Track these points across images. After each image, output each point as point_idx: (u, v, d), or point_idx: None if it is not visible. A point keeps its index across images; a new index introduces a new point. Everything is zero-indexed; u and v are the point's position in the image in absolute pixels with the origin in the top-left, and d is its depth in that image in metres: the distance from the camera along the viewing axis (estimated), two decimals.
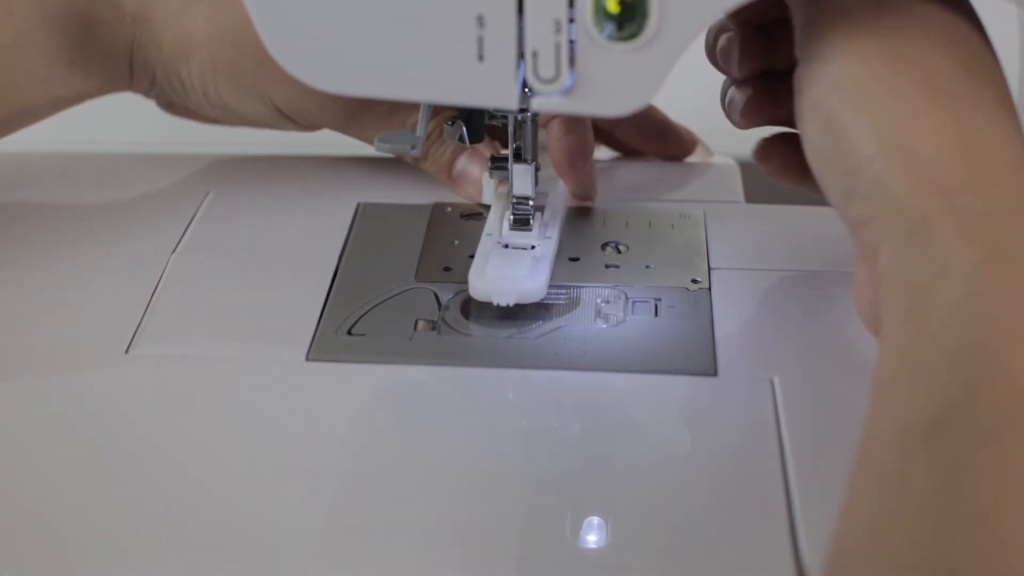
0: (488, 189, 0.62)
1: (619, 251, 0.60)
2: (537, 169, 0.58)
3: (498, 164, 0.60)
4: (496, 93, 0.48)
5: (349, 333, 0.55)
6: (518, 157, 0.58)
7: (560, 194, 0.62)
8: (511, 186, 0.58)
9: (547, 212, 0.60)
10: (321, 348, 0.54)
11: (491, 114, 0.57)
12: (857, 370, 0.52)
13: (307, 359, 0.54)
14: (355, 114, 0.63)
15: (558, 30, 0.46)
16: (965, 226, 0.42)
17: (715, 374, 0.52)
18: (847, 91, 0.45)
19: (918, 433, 0.39)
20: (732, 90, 0.55)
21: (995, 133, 0.44)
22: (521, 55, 0.47)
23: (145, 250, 0.61)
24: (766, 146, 0.56)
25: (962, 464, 0.37)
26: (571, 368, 0.53)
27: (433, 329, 0.55)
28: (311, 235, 0.62)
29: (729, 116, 0.56)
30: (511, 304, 0.55)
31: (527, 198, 0.58)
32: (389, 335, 0.55)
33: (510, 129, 0.57)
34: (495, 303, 0.55)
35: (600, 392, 0.52)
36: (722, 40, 0.55)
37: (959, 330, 0.40)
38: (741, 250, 0.60)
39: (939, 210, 0.42)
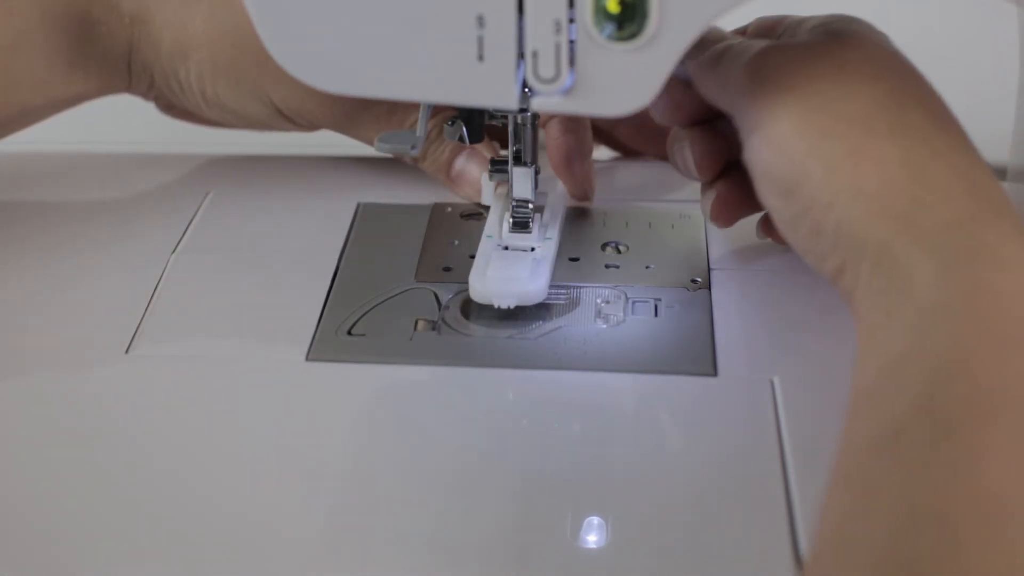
0: (487, 190, 0.62)
1: (619, 251, 0.60)
2: (537, 172, 0.58)
3: (498, 167, 0.60)
4: (496, 93, 0.48)
5: (349, 333, 0.55)
6: (518, 160, 0.58)
7: (560, 195, 0.62)
8: (511, 189, 0.58)
9: (547, 213, 0.60)
10: (321, 348, 0.54)
11: (491, 114, 0.57)
12: None
13: (307, 359, 0.54)
14: (354, 114, 0.63)
15: (558, 30, 0.46)
16: (921, 241, 0.43)
17: (715, 374, 0.52)
18: (788, 150, 0.47)
19: (884, 439, 0.40)
20: (702, 197, 0.57)
21: (936, 151, 0.46)
22: (521, 55, 0.47)
23: (145, 250, 0.61)
24: (766, 223, 0.57)
25: (922, 463, 0.38)
26: (571, 368, 0.53)
27: (433, 329, 0.55)
28: (311, 235, 0.62)
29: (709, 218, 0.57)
30: (512, 306, 0.55)
31: (527, 201, 0.58)
32: (389, 335, 0.55)
33: (510, 132, 0.57)
34: (496, 305, 0.55)
35: (600, 392, 0.52)
36: (673, 150, 0.56)
37: (924, 338, 0.41)
38: (741, 250, 0.60)
39: (896, 233, 0.44)
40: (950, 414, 0.39)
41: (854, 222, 0.45)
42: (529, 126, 0.57)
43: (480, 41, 0.47)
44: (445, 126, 0.57)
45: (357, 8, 0.47)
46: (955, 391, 0.39)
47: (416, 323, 0.56)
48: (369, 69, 0.48)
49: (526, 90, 0.48)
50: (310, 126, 0.65)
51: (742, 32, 0.56)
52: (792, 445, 0.48)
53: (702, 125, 0.55)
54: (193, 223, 0.63)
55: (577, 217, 0.63)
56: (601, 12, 0.45)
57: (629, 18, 0.45)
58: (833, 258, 0.46)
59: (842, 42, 0.48)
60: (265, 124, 0.65)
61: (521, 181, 0.58)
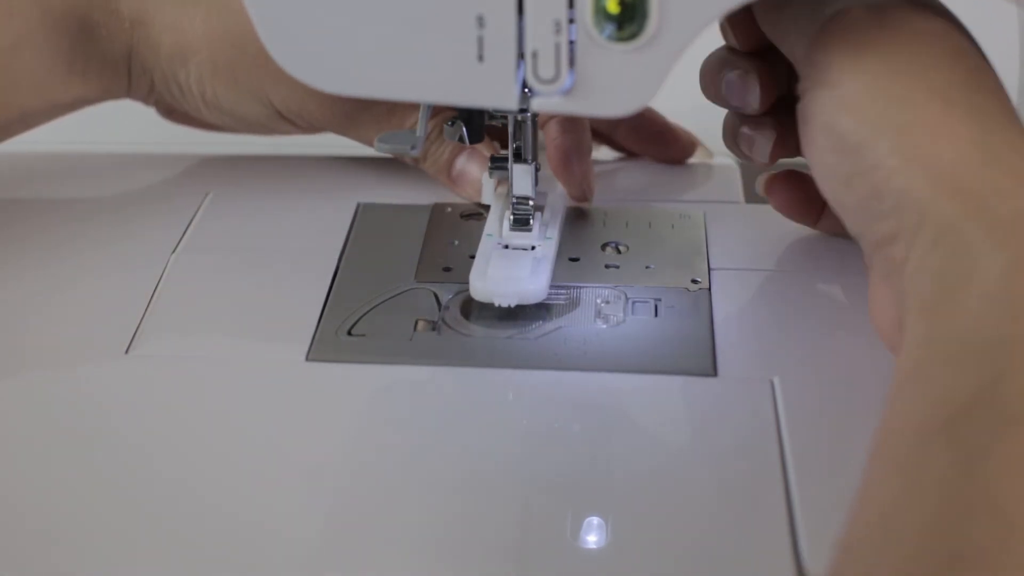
0: (487, 189, 0.62)
1: (619, 251, 0.60)
2: (537, 169, 0.58)
3: (498, 164, 0.60)
4: (496, 93, 0.48)
5: (349, 333, 0.55)
6: (518, 157, 0.58)
7: (559, 194, 0.62)
8: (511, 186, 0.58)
9: (547, 212, 0.60)
10: (321, 348, 0.54)
11: (491, 114, 0.57)
12: (857, 370, 0.52)
13: (307, 359, 0.54)
14: (353, 114, 0.63)
15: (558, 30, 0.46)
16: (993, 229, 0.42)
17: (715, 374, 0.52)
18: (861, 110, 0.45)
19: (939, 422, 0.38)
20: (747, 129, 0.55)
21: (1011, 141, 0.44)
22: (521, 55, 0.47)
23: (145, 250, 0.61)
24: (773, 182, 0.56)
25: (980, 451, 0.37)
26: (571, 368, 0.53)
27: (433, 329, 0.55)
28: (311, 235, 0.62)
29: (748, 154, 0.56)
30: (512, 305, 0.55)
31: (527, 198, 0.58)
32: (389, 335, 0.55)
33: (510, 129, 0.57)
34: (496, 304, 0.55)
35: (600, 392, 0.52)
36: (731, 76, 0.54)
37: (986, 326, 0.40)
38: (741, 250, 0.60)
39: (965, 215, 0.42)
40: (1015, 405, 0.38)
41: (921, 192, 0.43)
42: (529, 123, 0.57)
43: (480, 41, 0.46)
44: (445, 126, 0.57)
45: (357, 8, 0.47)
46: (1019, 383, 0.38)
47: (416, 323, 0.56)
48: (369, 69, 0.48)
49: (526, 90, 0.47)
50: (310, 128, 0.65)
51: None
52: (792, 445, 0.48)
53: (757, 54, 0.54)
54: (193, 223, 0.63)
55: (577, 217, 0.63)
56: (601, 12, 0.45)
57: (629, 18, 0.45)
58: (887, 223, 0.44)
59: (927, 15, 0.47)
60: (265, 126, 0.65)
61: (521, 178, 0.58)
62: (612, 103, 0.47)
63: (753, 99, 0.54)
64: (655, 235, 0.61)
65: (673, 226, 0.62)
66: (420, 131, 0.56)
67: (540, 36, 0.46)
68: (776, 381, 0.51)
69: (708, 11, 0.45)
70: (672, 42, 0.45)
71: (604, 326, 0.55)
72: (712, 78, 0.55)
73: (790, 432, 0.49)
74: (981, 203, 0.42)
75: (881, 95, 0.45)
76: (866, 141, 0.45)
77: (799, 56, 0.48)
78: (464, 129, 0.57)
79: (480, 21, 0.46)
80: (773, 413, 0.50)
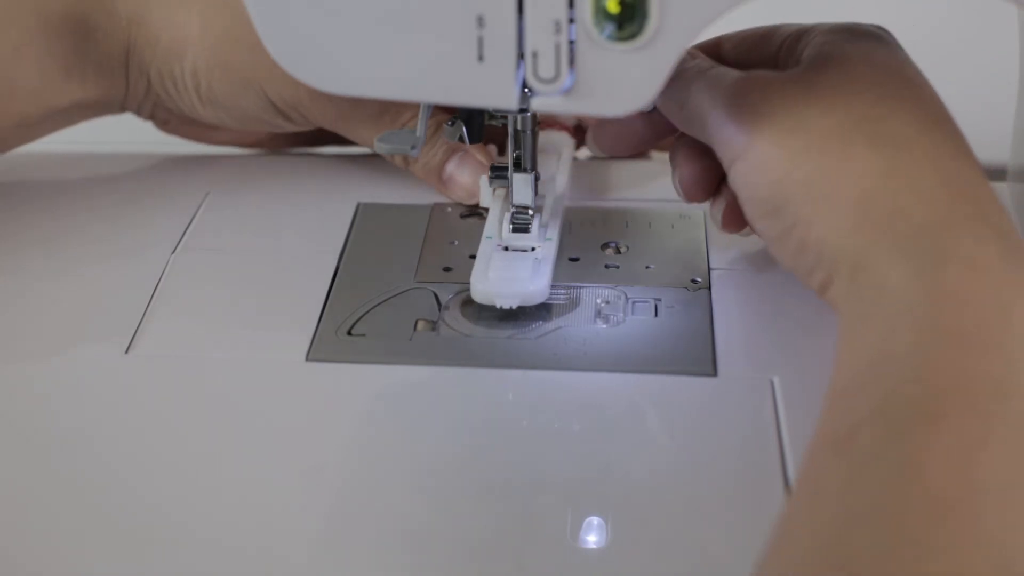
0: (485, 192, 0.61)
1: (619, 251, 0.60)
2: (537, 179, 0.58)
3: (498, 173, 0.60)
4: (496, 93, 0.48)
5: (349, 333, 0.55)
6: (518, 166, 0.58)
7: (559, 195, 0.62)
8: (511, 195, 0.58)
9: (546, 212, 0.60)
10: (321, 348, 0.54)
11: (491, 114, 0.57)
12: None
13: (307, 359, 0.54)
14: (346, 111, 0.63)
15: (558, 30, 0.46)
16: (896, 246, 0.44)
17: (715, 374, 0.52)
18: (771, 173, 0.48)
19: (840, 439, 0.40)
20: (712, 206, 0.56)
21: (919, 156, 0.46)
22: (521, 55, 0.47)
23: (145, 250, 0.61)
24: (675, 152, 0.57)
25: (868, 462, 0.38)
26: (571, 368, 0.53)
27: (433, 329, 0.55)
28: (311, 235, 0.62)
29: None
30: (514, 307, 0.55)
31: (526, 207, 0.58)
32: (389, 335, 0.55)
33: (510, 138, 0.57)
34: (498, 306, 0.55)
35: (600, 392, 0.52)
36: (674, 182, 0.56)
37: (890, 343, 0.42)
38: (741, 250, 0.60)
39: (872, 242, 0.44)
40: (901, 415, 0.39)
41: (833, 235, 0.46)
42: (529, 132, 0.57)
43: (480, 41, 0.47)
44: (445, 126, 0.57)
45: (357, 8, 0.47)
46: (908, 393, 0.40)
47: (416, 323, 0.56)
48: (369, 69, 0.48)
49: (526, 90, 0.47)
50: (304, 122, 0.64)
51: (713, 48, 0.56)
52: (792, 445, 0.48)
53: (690, 148, 0.55)
54: (193, 223, 0.63)
55: (577, 216, 0.63)
56: (601, 12, 0.45)
57: (629, 18, 0.45)
58: (818, 273, 0.47)
59: (818, 67, 0.49)
60: (260, 120, 0.65)
61: (521, 187, 0.58)
62: (612, 103, 0.47)
63: (694, 198, 0.55)
64: (655, 235, 0.61)
65: (673, 226, 0.62)
66: (420, 131, 0.56)
67: (540, 36, 0.46)
68: (776, 381, 0.52)
69: (707, 10, 0.45)
70: (672, 42, 0.45)
71: (604, 326, 0.55)
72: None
73: (790, 432, 0.49)
74: (885, 227, 0.44)
75: (782, 153, 0.47)
76: (781, 201, 0.47)
77: (712, 137, 0.50)
78: (464, 129, 0.57)
79: (480, 21, 0.46)
80: (773, 413, 0.50)
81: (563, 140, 0.66)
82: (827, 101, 0.48)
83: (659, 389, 0.52)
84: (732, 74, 0.51)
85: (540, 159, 0.60)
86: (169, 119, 0.67)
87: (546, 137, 0.65)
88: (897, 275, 0.43)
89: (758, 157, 0.48)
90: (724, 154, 0.50)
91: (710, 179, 0.55)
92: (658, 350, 0.54)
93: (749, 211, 0.50)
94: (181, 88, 0.63)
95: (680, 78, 0.52)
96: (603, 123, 0.61)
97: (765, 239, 0.50)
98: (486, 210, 0.61)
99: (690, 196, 0.55)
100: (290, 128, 0.65)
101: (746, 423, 0.50)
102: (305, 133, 0.68)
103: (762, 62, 0.53)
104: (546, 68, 0.47)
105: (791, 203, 0.47)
